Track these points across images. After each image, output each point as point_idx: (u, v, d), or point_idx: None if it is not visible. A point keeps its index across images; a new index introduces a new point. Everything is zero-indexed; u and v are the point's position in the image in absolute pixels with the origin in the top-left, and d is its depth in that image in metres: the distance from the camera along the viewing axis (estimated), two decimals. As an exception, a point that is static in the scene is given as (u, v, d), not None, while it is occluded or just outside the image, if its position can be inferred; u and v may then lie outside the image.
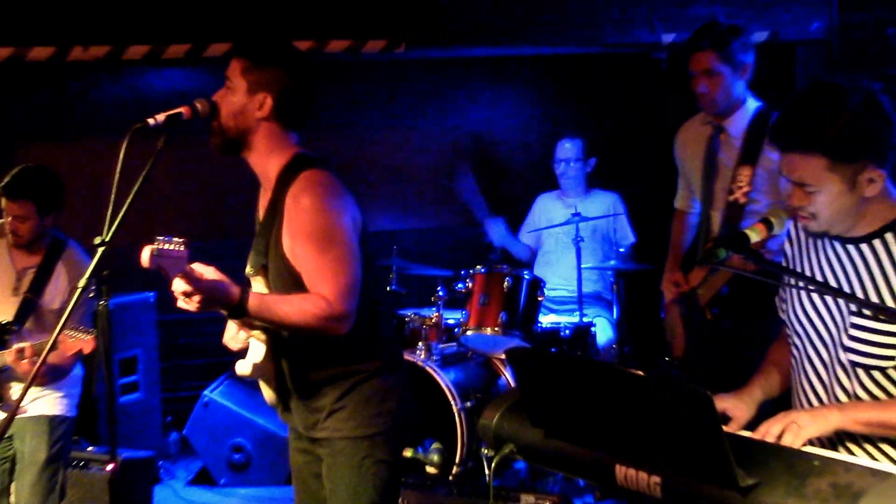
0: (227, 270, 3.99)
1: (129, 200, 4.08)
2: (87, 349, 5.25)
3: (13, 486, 5.62)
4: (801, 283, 3.45)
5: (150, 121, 4.01)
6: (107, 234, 4.01)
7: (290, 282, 4.00)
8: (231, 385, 7.51)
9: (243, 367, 4.19)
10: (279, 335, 4.07)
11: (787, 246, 3.58)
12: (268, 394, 4.33)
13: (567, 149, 7.74)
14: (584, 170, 7.77)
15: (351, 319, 3.91)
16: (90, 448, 6.35)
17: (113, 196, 4.07)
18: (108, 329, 4.30)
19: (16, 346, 5.29)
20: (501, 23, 7.03)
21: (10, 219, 5.58)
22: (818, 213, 3.22)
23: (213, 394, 7.32)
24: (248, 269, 4.16)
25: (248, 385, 7.57)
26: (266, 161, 4.11)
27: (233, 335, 4.16)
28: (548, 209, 7.94)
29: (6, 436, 5.28)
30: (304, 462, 4.38)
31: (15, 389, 5.47)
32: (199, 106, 4.07)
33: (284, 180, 4.03)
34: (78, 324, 5.25)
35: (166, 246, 3.72)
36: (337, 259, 3.92)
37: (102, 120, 8.12)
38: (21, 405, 4.27)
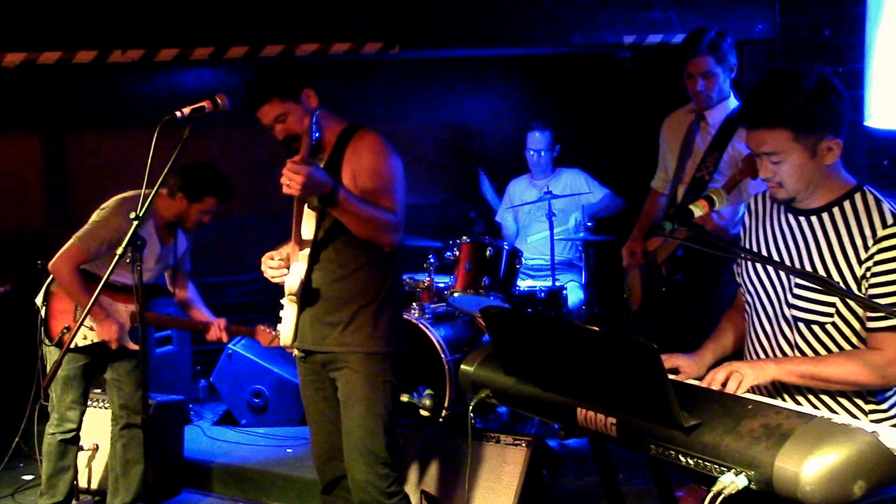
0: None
1: (160, 180, 4.11)
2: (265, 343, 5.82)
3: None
4: (737, 253, 3.46)
5: (178, 113, 4.08)
6: (141, 210, 4.04)
7: None
8: (251, 340, 7.51)
9: (292, 283, 4.31)
10: (322, 248, 4.28)
11: (746, 218, 3.57)
12: (287, 327, 4.39)
13: (537, 139, 7.70)
14: (551, 156, 7.74)
15: (401, 232, 4.23)
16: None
17: (146, 177, 4.09)
18: (143, 290, 4.31)
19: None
20: (483, 27, 7.02)
21: (197, 217, 5.63)
22: (784, 182, 3.22)
23: (236, 347, 7.32)
24: (307, 206, 4.28)
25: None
26: (329, 131, 4.31)
27: (268, 263, 4.34)
28: (520, 191, 7.91)
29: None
30: (314, 390, 4.50)
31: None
32: (218, 100, 4.14)
33: (343, 139, 4.30)
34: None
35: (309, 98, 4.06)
36: (394, 184, 4.23)
37: (138, 112, 8.11)
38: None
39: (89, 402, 6.04)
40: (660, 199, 5.88)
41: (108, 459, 5.88)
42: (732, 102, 5.40)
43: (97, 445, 6.17)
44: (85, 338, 5.52)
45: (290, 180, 3.93)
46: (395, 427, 4.43)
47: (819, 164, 3.19)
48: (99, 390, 6.15)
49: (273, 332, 5.65)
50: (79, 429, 5.75)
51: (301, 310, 4.34)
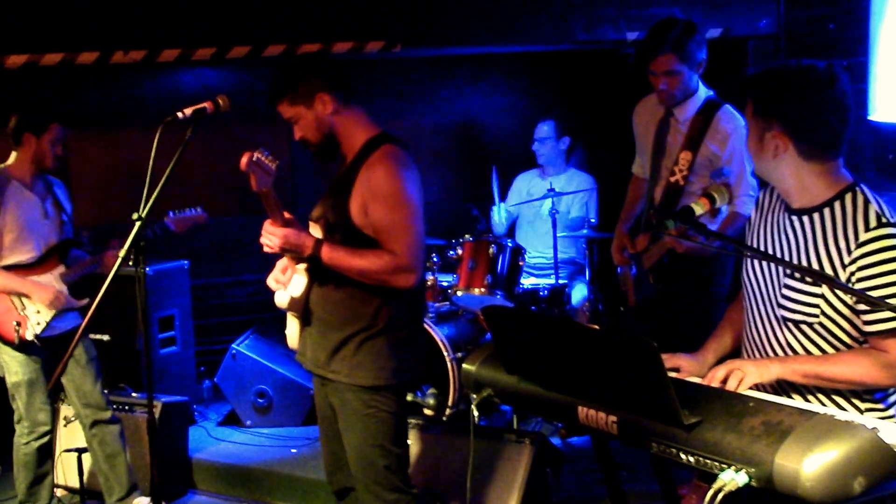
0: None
1: (162, 181, 4.13)
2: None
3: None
4: (739, 250, 3.47)
5: (179, 114, 4.08)
6: (143, 211, 4.07)
7: (351, 237, 4.07)
8: (256, 339, 7.54)
9: (281, 299, 4.28)
10: (319, 271, 4.12)
11: (753, 213, 3.55)
12: (291, 331, 4.37)
13: (542, 130, 7.78)
14: (559, 147, 7.78)
15: (418, 273, 4.03)
16: (134, 394, 6.39)
17: (148, 178, 4.11)
18: (145, 291, 4.32)
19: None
20: (484, 24, 7.03)
21: (49, 149, 5.67)
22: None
23: (240, 347, 7.34)
24: (313, 214, 4.25)
25: (271, 339, 7.60)
26: (351, 138, 4.19)
27: (276, 275, 4.24)
28: (527, 185, 7.94)
29: None
30: (322, 404, 4.41)
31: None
32: (220, 101, 4.13)
33: (365, 151, 4.12)
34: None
35: (263, 158, 3.85)
36: (405, 218, 4.03)
37: (140, 113, 8.11)
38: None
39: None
40: (642, 185, 5.85)
41: (92, 462, 5.87)
42: (703, 94, 5.33)
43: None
44: (38, 323, 5.55)
45: (269, 241, 4.01)
46: (404, 450, 4.31)
47: (769, 154, 3.19)
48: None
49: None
50: (52, 430, 5.74)
51: (303, 325, 4.29)
